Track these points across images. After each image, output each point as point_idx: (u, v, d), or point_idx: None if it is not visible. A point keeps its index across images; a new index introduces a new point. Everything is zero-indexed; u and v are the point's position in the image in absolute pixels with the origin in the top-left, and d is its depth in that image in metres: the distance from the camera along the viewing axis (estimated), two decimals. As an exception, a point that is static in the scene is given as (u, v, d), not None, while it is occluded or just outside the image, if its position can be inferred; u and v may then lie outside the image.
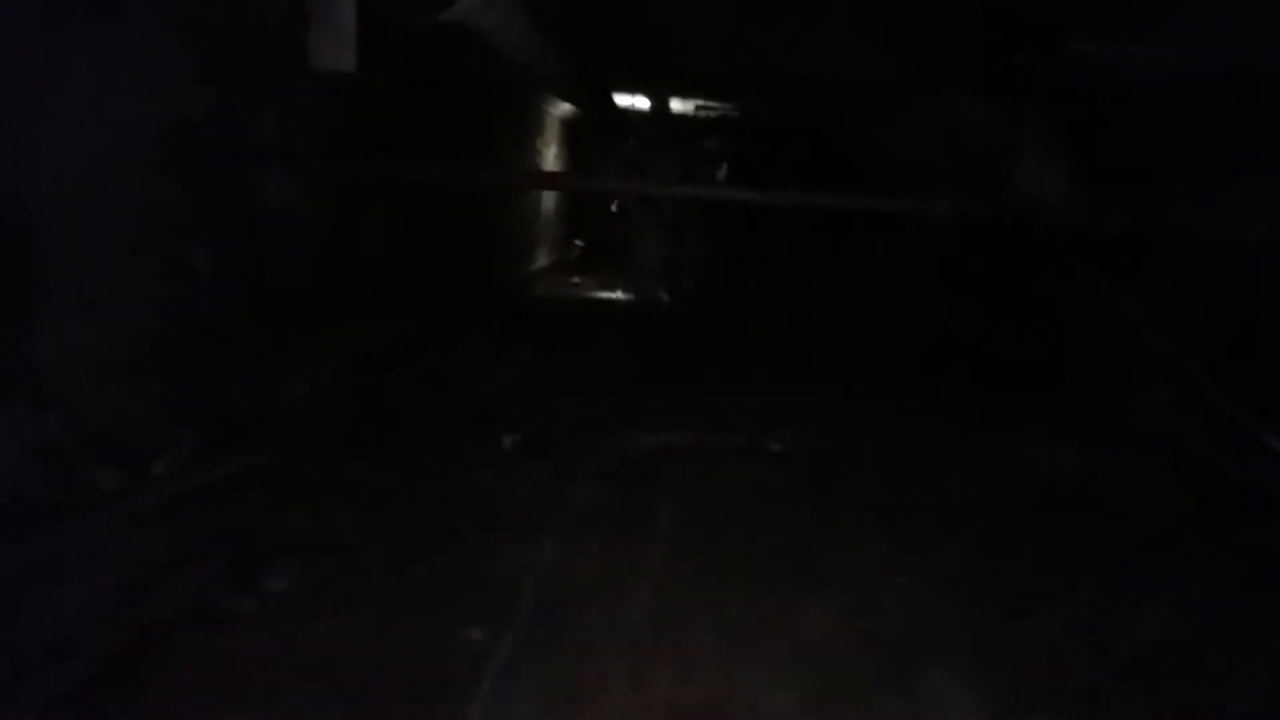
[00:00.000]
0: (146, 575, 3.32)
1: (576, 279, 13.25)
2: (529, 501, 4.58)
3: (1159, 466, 5.35)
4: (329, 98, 5.16)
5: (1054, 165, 6.31)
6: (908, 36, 5.76)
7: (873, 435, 5.99)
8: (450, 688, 2.96)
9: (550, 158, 13.21)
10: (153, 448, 3.86)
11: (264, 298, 4.74)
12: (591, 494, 4.75)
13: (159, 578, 3.36)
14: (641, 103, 13.02)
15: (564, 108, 13.26)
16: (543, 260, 13.16)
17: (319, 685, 2.94)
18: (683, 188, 5.34)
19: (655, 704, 2.97)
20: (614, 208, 14.71)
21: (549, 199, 13.35)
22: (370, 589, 3.60)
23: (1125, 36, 4.21)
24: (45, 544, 3.04)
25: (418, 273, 7.45)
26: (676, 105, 13.14)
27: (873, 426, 6.20)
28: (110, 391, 3.58)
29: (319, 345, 5.64)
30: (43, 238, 3.16)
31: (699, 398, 6.70)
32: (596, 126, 14.04)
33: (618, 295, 12.01)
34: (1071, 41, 4.22)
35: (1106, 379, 6.64)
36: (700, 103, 13.12)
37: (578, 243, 14.97)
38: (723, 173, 14.77)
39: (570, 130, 14.33)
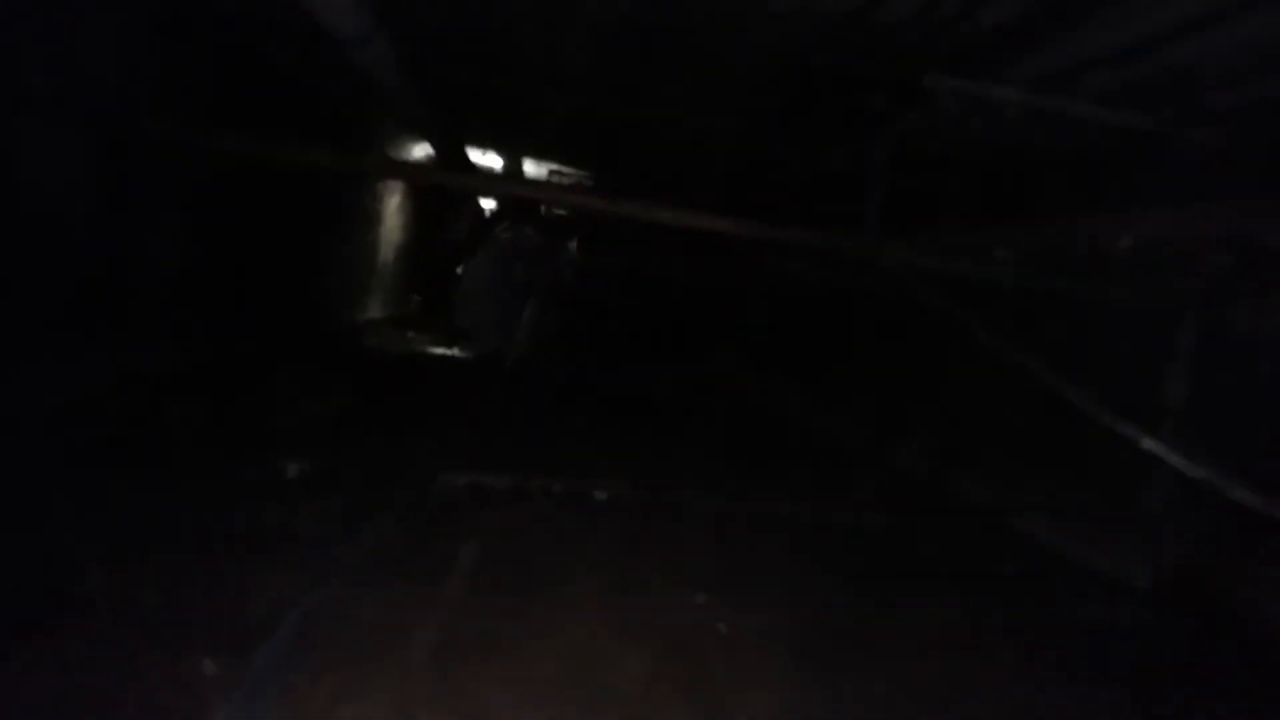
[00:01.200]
0: None
1: (411, 333, 12.61)
2: (308, 535, 3.98)
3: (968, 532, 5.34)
4: (119, 49, 4.57)
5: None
6: (765, 86, 5.68)
7: (694, 491, 5.65)
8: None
9: (393, 205, 12.67)
10: None
11: (7, 277, 4.04)
12: (385, 532, 4.18)
13: None
14: (494, 161, 12.79)
15: (411, 157, 12.84)
16: (376, 311, 12.48)
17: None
18: (534, 187, 4.96)
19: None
20: (459, 269, 14.26)
21: (387, 248, 12.74)
22: (85, 612, 2.94)
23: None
24: None
25: (222, 295, 6.76)
26: (529, 168, 12.97)
27: (695, 484, 5.87)
28: None
29: (84, 349, 4.92)
30: None
31: (524, 449, 6.24)
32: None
33: (453, 352, 11.46)
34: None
35: (933, 456, 6.64)
36: (554, 167, 12.98)
37: (416, 296, 14.35)
38: (573, 246, 14.57)
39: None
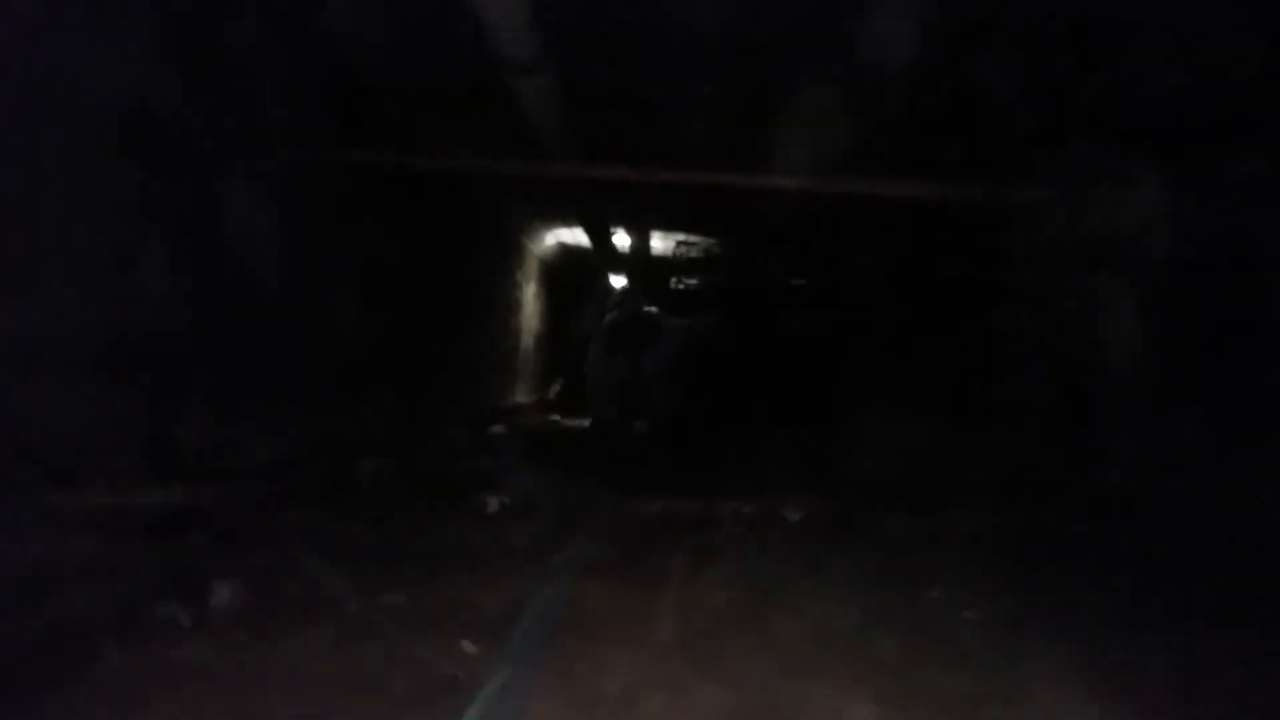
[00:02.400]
0: (63, 576, 2.70)
1: (555, 416, 12.82)
2: (523, 550, 3.99)
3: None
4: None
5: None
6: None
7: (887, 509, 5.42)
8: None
9: (530, 293, 13.06)
10: (82, 466, 3.29)
11: (220, 331, 4.27)
12: (593, 548, 4.15)
13: (81, 582, 2.73)
14: (622, 239, 13.08)
15: (544, 246, 13.27)
16: (521, 397, 12.76)
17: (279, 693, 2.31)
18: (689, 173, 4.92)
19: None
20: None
21: (528, 335, 13.10)
22: (338, 610, 2.98)
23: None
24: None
25: (390, 375, 7.01)
26: (657, 244, 13.21)
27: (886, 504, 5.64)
28: (30, 386, 3.05)
29: (284, 415, 5.14)
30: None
31: (691, 488, 6.13)
32: (572, 269, 14.05)
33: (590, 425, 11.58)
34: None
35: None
36: (680, 237, 13.19)
37: (557, 380, 14.63)
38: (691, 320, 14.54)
39: (548, 269, 14.29)
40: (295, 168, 4.81)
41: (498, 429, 9.18)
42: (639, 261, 13.41)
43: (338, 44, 5.35)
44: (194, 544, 3.45)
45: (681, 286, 14.14)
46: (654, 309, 11.86)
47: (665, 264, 14.00)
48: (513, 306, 12.10)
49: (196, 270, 4.02)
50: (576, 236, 12.42)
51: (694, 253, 13.53)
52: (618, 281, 14.36)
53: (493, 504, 4.80)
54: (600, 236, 11.09)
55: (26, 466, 2.96)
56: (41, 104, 3.04)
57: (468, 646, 2.72)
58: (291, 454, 5.09)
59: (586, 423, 11.66)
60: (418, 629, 2.84)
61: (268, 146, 4.49)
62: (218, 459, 4.27)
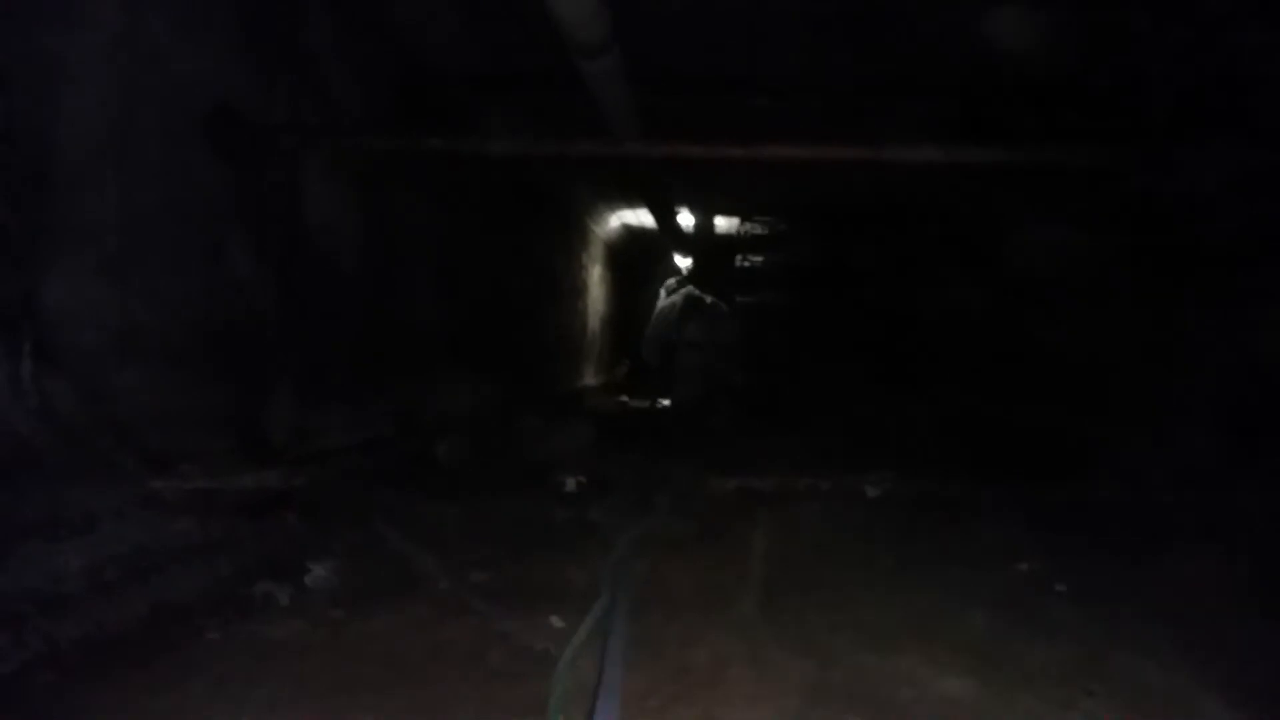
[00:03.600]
0: (165, 557, 2.80)
1: (624, 397, 12.87)
2: (605, 526, 4.02)
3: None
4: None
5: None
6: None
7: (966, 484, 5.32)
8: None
9: (596, 276, 13.11)
10: (179, 451, 3.40)
11: (304, 318, 4.37)
12: (672, 523, 4.17)
13: (182, 562, 2.83)
14: (687, 218, 13.01)
15: (608, 228, 13.29)
16: (589, 379, 12.83)
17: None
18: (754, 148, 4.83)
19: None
20: (649, 341, 14.49)
21: (595, 318, 13.15)
22: (428, 586, 3.04)
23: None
24: (43, 501, 2.56)
25: (468, 357, 7.10)
26: (721, 223, 13.13)
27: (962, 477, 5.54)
28: (129, 373, 3.16)
29: (367, 398, 5.25)
30: (61, 175, 2.84)
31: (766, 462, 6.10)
32: (636, 250, 14.06)
33: (658, 406, 11.60)
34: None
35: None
36: (743, 221, 13.10)
37: (624, 362, 14.67)
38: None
39: (612, 251, 14.31)
40: (371, 156, 4.89)
41: (569, 409, 9.25)
42: (704, 240, 13.34)
43: (409, 33, 5.41)
44: (287, 525, 3.55)
45: (747, 264, 14.00)
46: (708, 295, 11.85)
47: (731, 242, 13.89)
48: (579, 289, 12.16)
49: (280, 259, 4.12)
50: (641, 218, 12.41)
51: (759, 230, 13.40)
52: (683, 262, 14.32)
53: (570, 483, 4.84)
54: (665, 217, 11.06)
55: (127, 452, 3.07)
56: (130, 99, 3.14)
57: (555, 621, 2.75)
58: (374, 436, 5.19)
59: (654, 403, 11.69)
60: (507, 605, 2.88)
61: (344, 136, 4.57)
62: (305, 442, 4.37)
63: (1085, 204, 5.76)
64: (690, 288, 12.14)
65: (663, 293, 12.58)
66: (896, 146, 3.95)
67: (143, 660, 2.34)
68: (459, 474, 5.15)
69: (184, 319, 3.48)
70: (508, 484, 4.91)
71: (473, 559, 3.37)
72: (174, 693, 2.19)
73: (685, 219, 12.80)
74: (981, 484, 5.14)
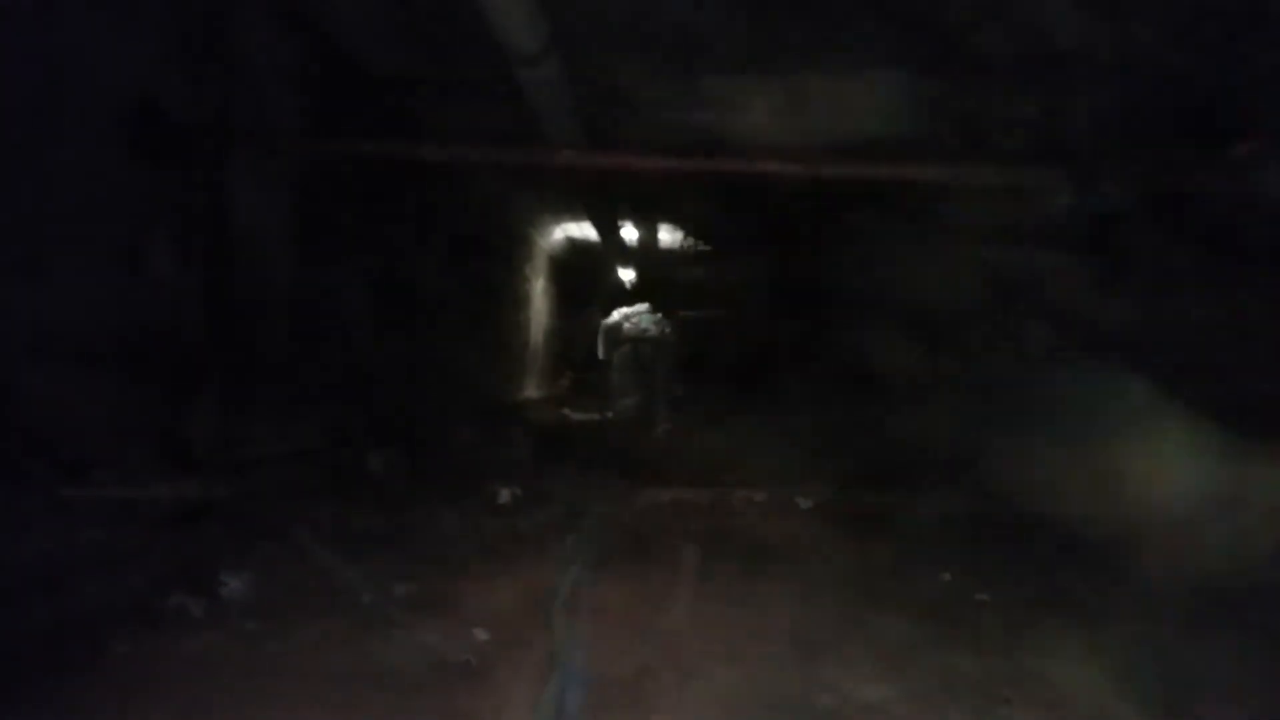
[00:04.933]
0: (73, 567, 2.70)
1: (566, 410, 12.82)
2: (533, 539, 3.98)
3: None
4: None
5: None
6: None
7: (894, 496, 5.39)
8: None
9: (539, 288, 13.04)
10: (94, 458, 3.29)
11: (230, 324, 4.26)
12: (605, 537, 4.15)
13: (91, 573, 2.73)
14: (630, 232, 13.04)
15: (552, 240, 13.25)
16: (531, 391, 12.73)
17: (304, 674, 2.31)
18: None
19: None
20: (600, 353, 14.52)
21: (537, 330, 13.08)
22: (352, 603, 2.97)
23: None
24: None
25: (398, 362, 6.99)
26: (664, 237, 13.18)
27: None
28: (40, 376, 3.05)
29: (290, 403, 5.13)
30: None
31: (701, 475, 6.11)
32: (581, 263, 14.05)
33: (601, 418, 11.59)
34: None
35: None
36: (686, 231, 13.16)
37: (567, 374, 14.61)
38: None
39: (556, 263, 14.27)
40: (305, 161, 4.80)
41: (507, 421, 9.18)
42: (646, 255, 13.38)
43: (344, 35, 5.33)
44: (206, 536, 3.45)
45: (690, 278, 14.08)
46: (650, 310, 11.90)
47: (673, 257, 13.95)
48: (521, 300, 12.08)
49: (206, 263, 4.01)
50: (585, 230, 12.40)
51: (701, 245, 13.47)
52: (626, 275, 14.36)
53: (504, 495, 4.79)
54: (608, 230, 11.07)
55: (37, 459, 2.96)
56: (48, 97, 3.04)
57: (480, 634, 2.71)
58: (303, 446, 5.08)
59: (595, 415, 11.67)
60: (431, 618, 2.84)
61: (274, 138, 4.48)
62: (229, 451, 4.26)
63: (1017, 220, 5.89)
64: (646, 306, 12.18)
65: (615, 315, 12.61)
66: (832, 163, 3.99)
67: (42, 675, 2.25)
68: (390, 485, 5.06)
69: (101, 322, 3.37)
70: (440, 496, 4.84)
71: (398, 572, 3.31)
72: (75, 709, 2.11)
73: (629, 232, 12.84)
74: (908, 495, 5.21)
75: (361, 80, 5.73)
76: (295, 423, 5.03)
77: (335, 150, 4.62)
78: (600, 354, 11.79)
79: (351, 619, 2.81)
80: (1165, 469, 4.17)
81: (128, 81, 3.45)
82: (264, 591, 3.00)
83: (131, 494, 3.23)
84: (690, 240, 13.48)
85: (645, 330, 11.61)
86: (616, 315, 11.67)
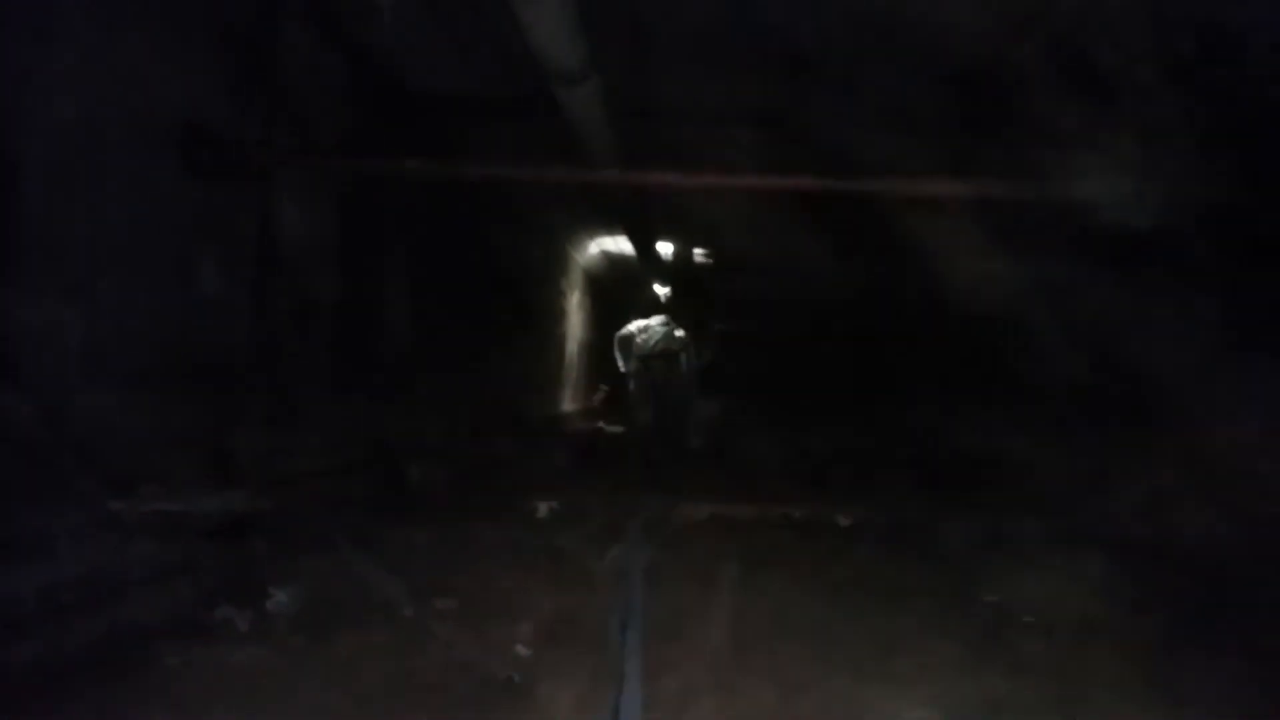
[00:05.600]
0: (123, 580, 2.75)
1: (601, 423, 12.84)
2: (573, 554, 3.99)
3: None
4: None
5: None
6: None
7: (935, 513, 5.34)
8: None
9: (574, 302, 13.11)
10: (142, 473, 3.35)
11: (275, 339, 4.33)
12: (650, 552, 4.14)
13: (140, 586, 2.78)
14: (666, 248, 13.06)
15: (588, 255, 13.32)
16: (567, 405, 12.78)
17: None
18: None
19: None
20: (620, 366, 14.54)
21: (573, 343, 13.13)
22: (394, 617, 3.00)
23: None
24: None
25: (438, 377, 7.05)
26: (700, 251, 13.19)
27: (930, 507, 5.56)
28: (92, 393, 3.12)
29: (333, 418, 5.19)
30: (27, 191, 2.80)
31: (737, 490, 6.10)
32: (616, 277, 14.10)
33: (635, 433, 11.58)
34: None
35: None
36: (719, 245, 13.16)
37: (602, 388, 14.64)
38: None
39: (591, 278, 14.33)
40: (348, 179, 4.87)
41: (545, 435, 9.21)
42: (683, 269, 13.39)
43: (389, 56, 5.42)
44: (251, 549, 3.50)
45: (726, 292, 14.08)
46: (665, 322, 11.83)
47: (709, 271, 13.95)
48: (558, 315, 12.15)
49: (251, 279, 4.08)
50: (620, 245, 12.44)
51: (734, 259, 13.46)
52: (661, 290, 14.36)
53: (542, 509, 4.81)
54: (644, 245, 11.09)
55: (88, 474, 3.02)
56: (100, 117, 3.11)
57: (521, 650, 2.72)
58: (345, 460, 5.14)
59: (630, 429, 11.66)
60: (473, 633, 2.85)
61: (319, 156, 4.55)
62: (273, 465, 4.32)
63: (1050, 235, 5.84)
64: (662, 318, 12.14)
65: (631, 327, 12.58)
66: (865, 179, 3.98)
67: (96, 685, 2.29)
68: (430, 499, 5.10)
69: (151, 339, 3.44)
70: (479, 510, 4.88)
71: (440, 586, 3.33)
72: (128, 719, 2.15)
73: (665, 247, 12.86)
74: (952, 512, 5.15)
75: (404, 99, 5.82)
76: (338, 436, 5.09)
77: (378, 168, 4.68)
78: (620, 367, 11.74)
79: (393, 633, 2.83)
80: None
81: (177, 101, 3.53)
82: (308, 605, 3.03)
83: (179, 508, 3.28)
84: (728, 255, 13.48)
85: (657, 344, 11.52)
86: (631, 327, 11.57)
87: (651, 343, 11.68)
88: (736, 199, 8.05)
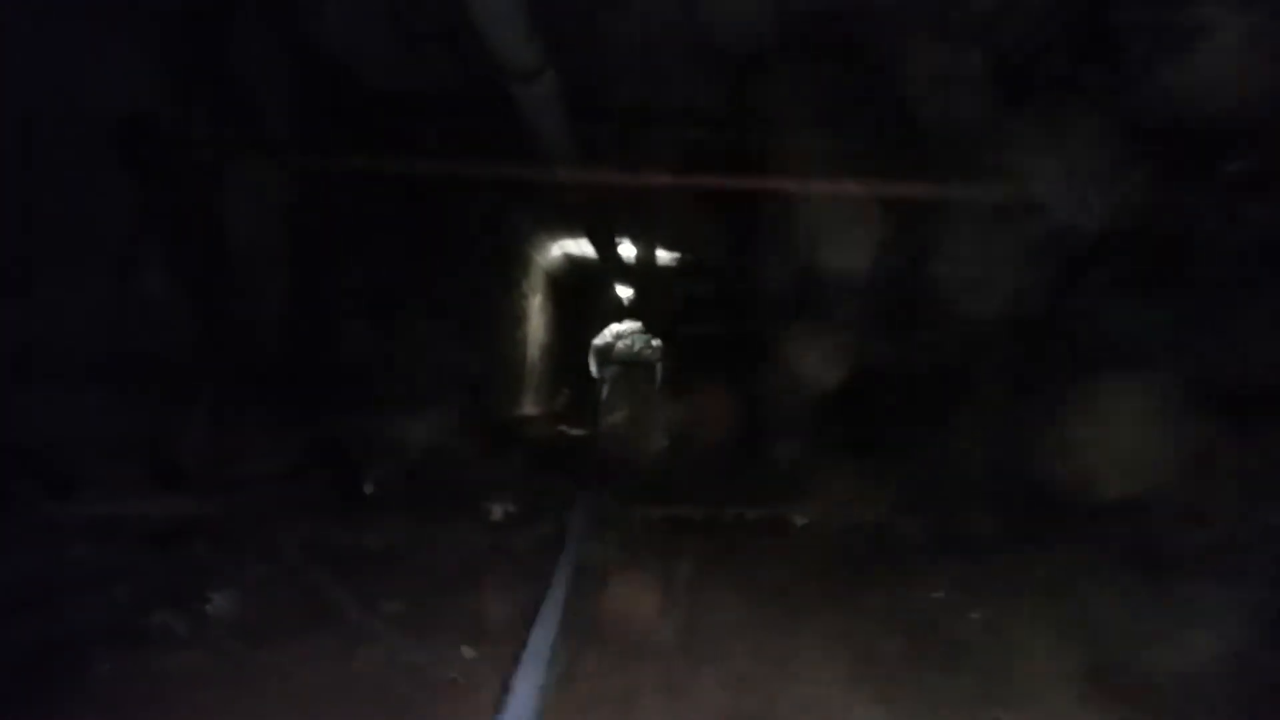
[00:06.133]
0: (58, 586, 2.68)
1: (563, 427, 12.79)
2: (526, 557, 3.96)
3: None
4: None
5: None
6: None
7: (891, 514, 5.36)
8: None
9: (536, 304, 13.05)
10: (83, 476, 3.27)
11: (223, 339, 4.26)
12: (604, 552, 4.13)
13: (76, 591, 2.71)
14: (628, 249, 13.05)
15: (549, 257, 13.27)
16: (528, 408, 12.71)
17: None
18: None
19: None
20: (593, 370, 14.54)
21: (534, 347, 13.07)
22: (339, 621, 2.95)
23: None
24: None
25: (396, 379, 6.98)
26: (662, 254, 13.19)
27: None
28: (27, 394, 3.04)
29: (284, 419, 5.11)
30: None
31: (697, 492, 6.08)
32: (578, 280, 14.08)
33: (597, 436, 11.56)
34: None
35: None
36: (683, 248, 13.17)
37: (564, 390, 14.59)
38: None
39: (553, 280, 14.28)
40: (301, 176, 4.80)
41: (504, 437, 9.15)
42: (645, 271, 13.40)
43: (342, 54, 5.35)
44: (194, 553, 3.43)
45: (688, 295, 14.08)
46: (643, 330, 11.86)
47: (671, 273, 13.96)
48: (519, 317, 12.09)
49: (197, 277, 4.01)
50: (582, 248, 12.42)
51: (697, 261, 13.48)
52: (624, 292, 14.37)
53: (498, 511, 4.77)
54: (605, 247, 11.08)
55: (24, 477, 2.94)
56: (37, 111, 3.04)
57: (467, 652, 2.69)
58: (297, 462, 5.06)
59: (591, 432, 11.65)
60: (418, 636, 2.81)
61: (268, 153, 4.49)
62: (221, 468, 4.24)
63: (1009, 239, 5.90)
64: (639, 326, 12.17)
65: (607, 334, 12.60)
66: (821, 181, 4.00)
67: (22, 694, 2.23)
68: (385, 502, 5.03)
69: (90, 339, 3.36)
70: (434, 512, 4.81)
71: (388, 589, 3.28)
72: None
73: (627, 250, 12.85)
74: (903, 513, 5.18)
75: (359, 97, 5.75)
76: (289, 439, 5.01)
77: (328, 165, 4.62)
78: (593, 371, 11.78)
79: (337, 637, 2.79)
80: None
81: (120, 95, 3.46)
82: (250, 610, 2.97)
83: (120, 512, 3.21)
84: (689, 256, 13.49)
85: (636, 350, 11.59)
86: (608, 334, 11.65)
87: (630, 350, 11.76)
88: (695, 200, 8.06)
